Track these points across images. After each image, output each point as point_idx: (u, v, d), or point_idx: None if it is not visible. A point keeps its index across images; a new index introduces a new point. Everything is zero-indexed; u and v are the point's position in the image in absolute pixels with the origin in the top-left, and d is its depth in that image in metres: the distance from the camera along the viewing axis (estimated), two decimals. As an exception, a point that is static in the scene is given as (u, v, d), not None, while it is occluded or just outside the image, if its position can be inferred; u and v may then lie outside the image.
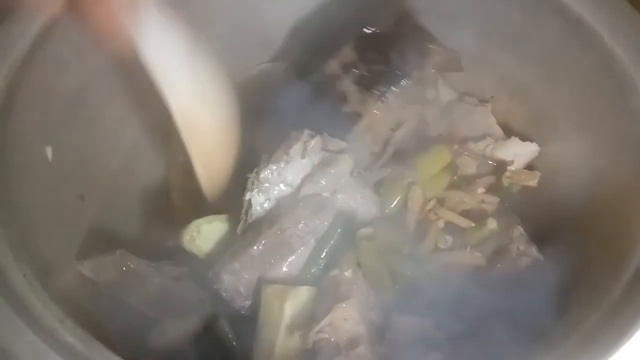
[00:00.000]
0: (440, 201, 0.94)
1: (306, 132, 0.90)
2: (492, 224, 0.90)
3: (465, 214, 0.93)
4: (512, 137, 1.03)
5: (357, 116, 0.92)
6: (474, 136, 1.03)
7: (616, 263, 0.76)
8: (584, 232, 0.90)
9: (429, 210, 0.92)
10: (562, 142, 0.99)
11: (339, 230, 0.84)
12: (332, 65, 0.95)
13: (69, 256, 0.86)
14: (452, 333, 0.79)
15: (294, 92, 0.96)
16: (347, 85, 0.94)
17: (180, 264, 0.90)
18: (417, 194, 0.91)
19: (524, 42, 1.01)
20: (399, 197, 0.91)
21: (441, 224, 0.91)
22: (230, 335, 0.83)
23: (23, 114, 0.81)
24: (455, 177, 0.97)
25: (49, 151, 0.85)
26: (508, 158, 1.00)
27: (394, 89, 0.93)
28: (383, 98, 0.93)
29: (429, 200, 0.92)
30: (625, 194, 0.84)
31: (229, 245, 0.86)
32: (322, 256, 0.83)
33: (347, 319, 0.71)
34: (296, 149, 0.88)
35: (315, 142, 0.89)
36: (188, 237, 0.88)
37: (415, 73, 0.94)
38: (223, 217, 0.92)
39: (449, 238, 0.89)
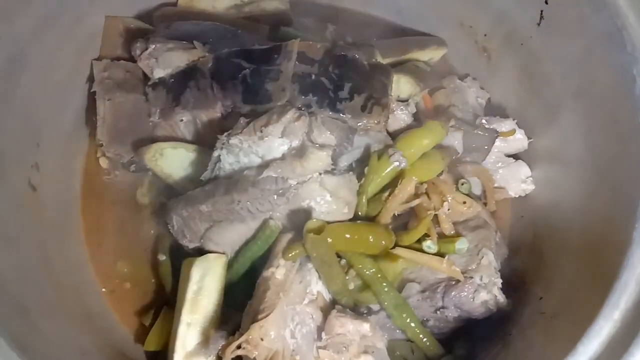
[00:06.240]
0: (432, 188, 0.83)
1: (292, 111, 0.81)
2: (462, 244, 0.81)
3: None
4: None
5: (268, 98, 0.85)
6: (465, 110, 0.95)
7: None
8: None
9: (420, 194, 0.82)
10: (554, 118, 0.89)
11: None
12: (293, 47, 0.87)
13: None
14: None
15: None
16: (288, 70, 0.85)
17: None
18: (408, 181, 0.82)
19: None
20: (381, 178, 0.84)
21: (445, 209, 0.82)
22: (168, 278, 0.89)
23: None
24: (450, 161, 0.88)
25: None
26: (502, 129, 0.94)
27: (319, 110, 0.84)
28: (302, 107, 0.84)
29: (420, 184, 0.83)
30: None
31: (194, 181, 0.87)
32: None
33: (264, 338, 0.72)
34: (275, 127, 0.80)
35: (299, 125, 0.80)
36: (150, 156, 0.90)
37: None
38: (191, 147, 0.91)
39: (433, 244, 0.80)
